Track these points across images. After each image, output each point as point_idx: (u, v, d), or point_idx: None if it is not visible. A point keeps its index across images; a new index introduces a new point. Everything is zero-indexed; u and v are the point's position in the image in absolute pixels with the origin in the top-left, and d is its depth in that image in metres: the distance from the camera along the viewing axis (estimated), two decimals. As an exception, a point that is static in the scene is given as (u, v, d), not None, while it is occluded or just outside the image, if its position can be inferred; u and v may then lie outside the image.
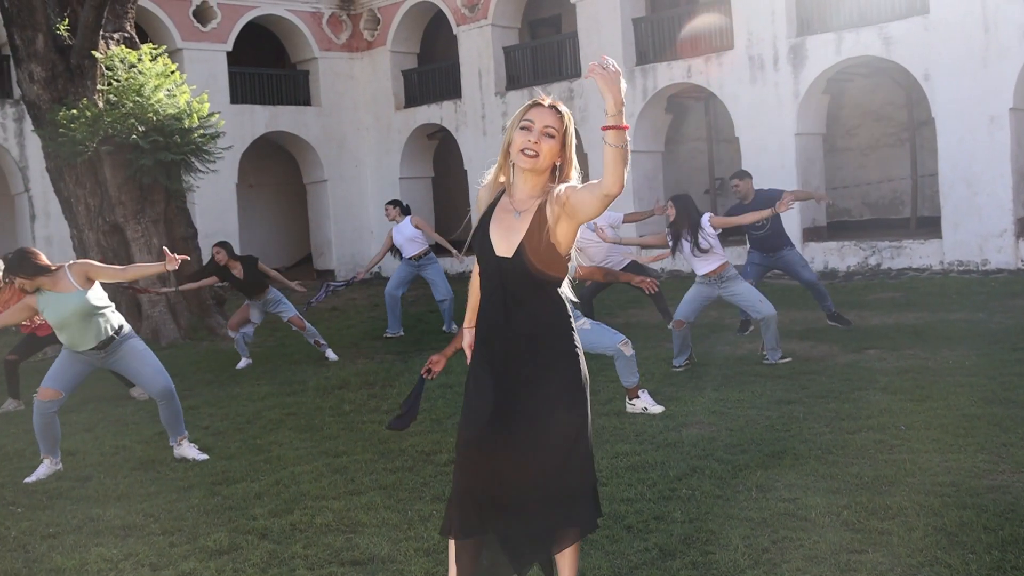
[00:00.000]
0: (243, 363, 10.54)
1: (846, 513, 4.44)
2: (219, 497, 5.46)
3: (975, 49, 14.48)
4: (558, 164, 3.26)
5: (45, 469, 6.25)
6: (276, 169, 24.41)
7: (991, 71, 14.34)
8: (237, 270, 10.22)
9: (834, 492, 4.78)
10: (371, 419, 7.31)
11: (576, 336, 3.33)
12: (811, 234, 17.06)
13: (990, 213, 14.60)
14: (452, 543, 3.35)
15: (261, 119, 22.02)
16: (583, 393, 3.30)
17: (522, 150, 3.19)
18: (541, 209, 3.22)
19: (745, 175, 10.24)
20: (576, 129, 3.33)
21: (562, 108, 3.25)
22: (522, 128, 3.21)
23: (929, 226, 17.14)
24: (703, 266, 8.33)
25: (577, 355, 3.31)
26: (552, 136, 3.21)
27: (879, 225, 19.06)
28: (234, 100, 21.53)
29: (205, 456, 6.43)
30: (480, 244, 3.30)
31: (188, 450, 6.45)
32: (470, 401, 3.31)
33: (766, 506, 4.64)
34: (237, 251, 10.30)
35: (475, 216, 3.42)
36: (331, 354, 10.60)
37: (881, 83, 18.52)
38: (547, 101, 3.25)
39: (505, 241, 3.23)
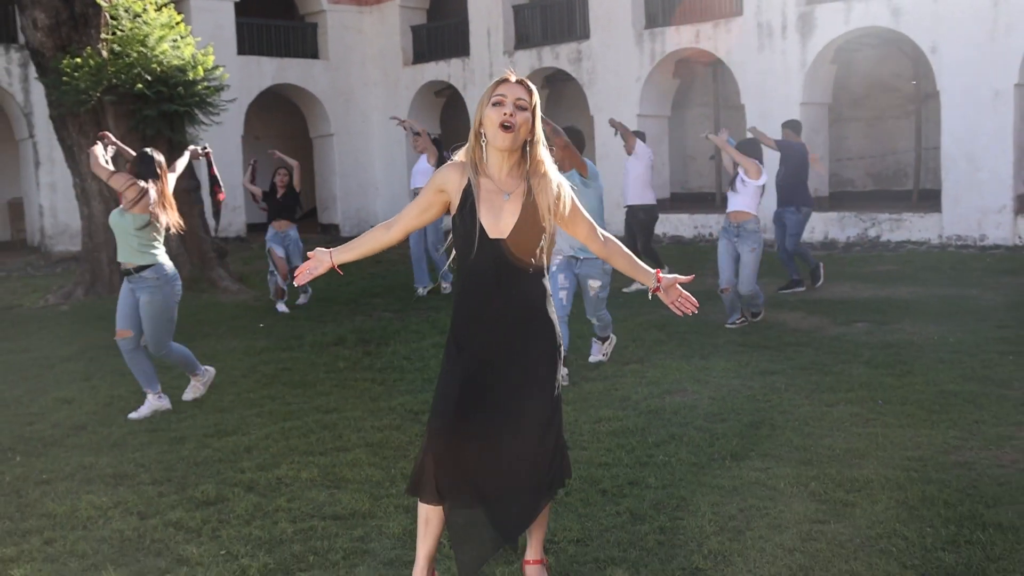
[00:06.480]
0: (302, 299, 11.75)
1: (814, 484, 4.57)
2: (209, 449, 5.61)
3: (983, 23, 14.41)
4: (529, 140, 3.33)
5: (147, 407, 6.59)
6: (282, 122, 24.42)
7: (998, 46, 14.29)
8: (283, 190, 11.47)
9: (805, 463, 4.92)
10: (364, 376, 7.45)
11: (552, 310, 3.45)
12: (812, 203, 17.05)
13: (990, 189, 14.62)
14: (420, 504, 3.49)
15: (268, 71, 22.02)
16: (557, 365, 3.43)
17: (500, 124, 3.26)
18: (530, 193, 3.33)
19: (796, 124, 11.70)
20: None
21: (530, 84, 3.35)
22: (494, 104, 3.28)
23: (931, 199, 17.14)
24: (729, 204, 8.85)
25: (555, 327, 3.44)
26: (524, 108, 3.29)
27: (881, 197, 19.06)
28: (241, 51, 21.54)
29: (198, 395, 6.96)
30: (468, 226, 3.32)
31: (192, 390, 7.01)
32: (445, 388, 3.39)
33: (738, 475, 4.78)
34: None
35: (430, 190, 3.44)
36: (281, 307, 11.24)
37: (890, 54, 18.45)
38: (514, 77, 3.33)
39: (497, 223, 3.30)
